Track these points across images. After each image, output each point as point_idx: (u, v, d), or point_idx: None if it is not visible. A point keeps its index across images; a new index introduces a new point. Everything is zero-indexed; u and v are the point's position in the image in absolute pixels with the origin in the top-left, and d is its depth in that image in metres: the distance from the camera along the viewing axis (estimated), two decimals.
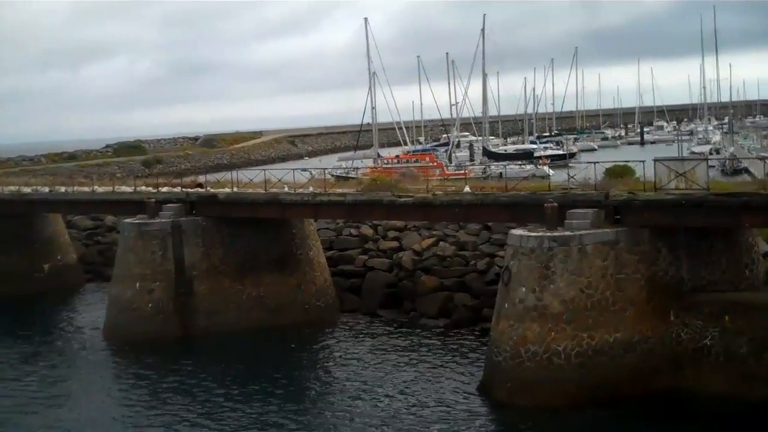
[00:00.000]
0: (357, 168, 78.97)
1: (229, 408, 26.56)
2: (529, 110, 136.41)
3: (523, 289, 24.72)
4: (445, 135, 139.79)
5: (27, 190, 45.68)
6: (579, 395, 23.99)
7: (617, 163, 47.85)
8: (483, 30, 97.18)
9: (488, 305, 33.62)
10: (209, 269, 35.22)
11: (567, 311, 24.19)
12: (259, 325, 35.40)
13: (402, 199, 29.89)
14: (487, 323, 33.04)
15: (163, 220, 35.05)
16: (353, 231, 40.33)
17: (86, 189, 44.10)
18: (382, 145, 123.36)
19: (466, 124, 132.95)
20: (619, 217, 25.71)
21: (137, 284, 34.64)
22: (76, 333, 37.40)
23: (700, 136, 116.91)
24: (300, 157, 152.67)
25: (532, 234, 24.97)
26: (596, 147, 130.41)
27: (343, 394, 27.35)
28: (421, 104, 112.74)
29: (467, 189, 28.52)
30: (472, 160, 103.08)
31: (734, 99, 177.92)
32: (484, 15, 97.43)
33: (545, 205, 25.72)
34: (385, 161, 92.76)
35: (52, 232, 46.55)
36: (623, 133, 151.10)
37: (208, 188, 37.91)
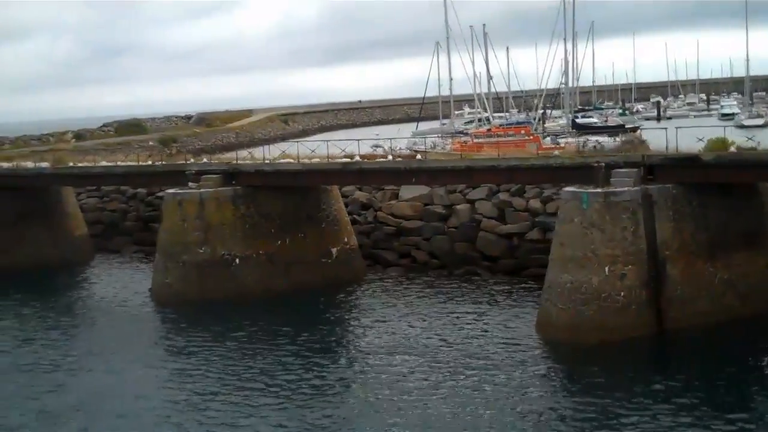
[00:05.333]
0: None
1: None
2: (544, 85, 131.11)
3: None
4: (458, 112, 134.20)
5: (307, 160, 37.92)
6: None
7: None
8: None
9: None
10: (681, 248, 28.81)
11: None
12: (729, 315, 29.28)
13: None
14: None
15: (632, 189, 28.37)
16: None
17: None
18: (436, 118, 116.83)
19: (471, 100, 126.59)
20: None
21: (606, 269, 27.91)
22: (492, 335, 30.19)
23: (753, 109, 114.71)
24: (295, 135, 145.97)
25: None
26: (621, 122, 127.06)
27: None
28: (489, 74, 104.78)
29: None
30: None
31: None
32: None
33: None
34: (475, 135, 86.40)
35: (337, 210, 38.85)
36: (640, 108, 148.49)
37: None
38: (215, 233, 36.21)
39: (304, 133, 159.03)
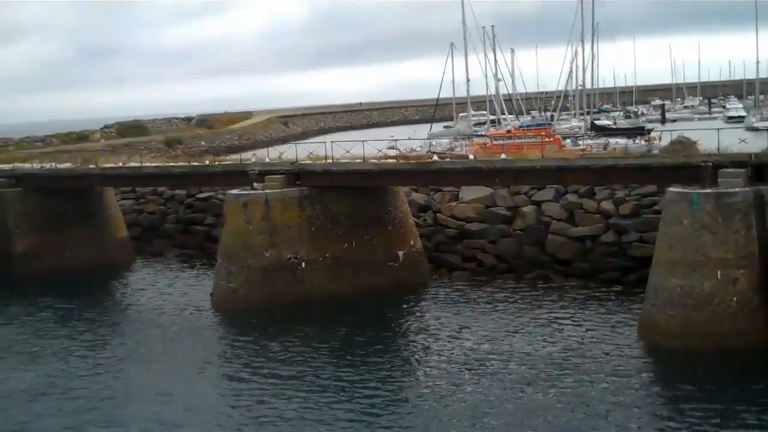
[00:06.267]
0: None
1: None
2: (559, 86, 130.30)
3: None
4: (462, 114, 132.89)
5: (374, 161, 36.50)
6: None
7: None
8: None
9: None
10: None
11: None
12: None
13: None
14: None
15: (744, 189, 27.19)
16: None
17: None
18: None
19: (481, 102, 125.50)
20: None
21: (718, 272, 26.68)
22: (588, 341, 28.82)
23: (764, 111, 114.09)
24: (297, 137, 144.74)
25: None
26: (626, 124, 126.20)
27: None
28: (500, 76, 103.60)
29: None
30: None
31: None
32: None
33: None
34: (495, 137, 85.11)
35: (403, 212, 37.48)
36: (645, 111, 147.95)
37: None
38: (281, 236, 34.77)
39: (304, 135, 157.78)
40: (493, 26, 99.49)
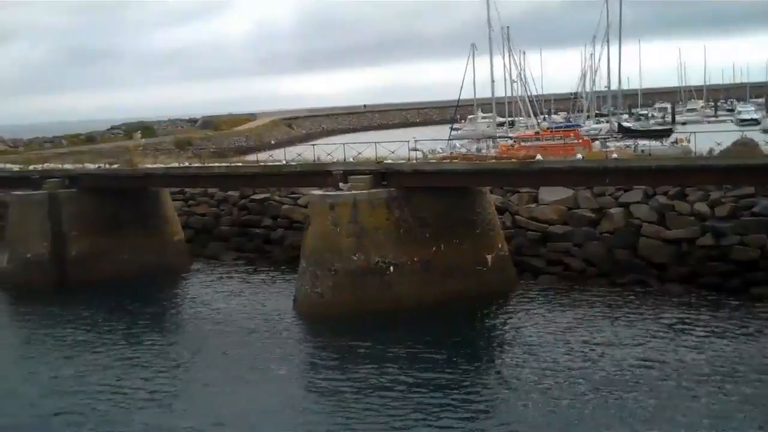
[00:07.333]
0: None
1: None
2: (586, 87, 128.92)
3: None
4: (471, 116, 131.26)
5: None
6: None
7: None
8: None
9: None
10: None
11: None
12: None
13: None
14: None
15: None
16: None
17: None
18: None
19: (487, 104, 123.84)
20: None
21: None
22: (710, 352, 27.15)
23: None
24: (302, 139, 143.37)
25: None
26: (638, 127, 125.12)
27: None
28: (517, 77, 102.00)
29: None
30: None
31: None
32: None
33: None
34: (522, 138, 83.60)
35: (491, 214, 35.81)
36: (656, 114, 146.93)
37: None
38: (369, 239, 33.04)
39: (309, 137, 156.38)
40: (508, 27, 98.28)
